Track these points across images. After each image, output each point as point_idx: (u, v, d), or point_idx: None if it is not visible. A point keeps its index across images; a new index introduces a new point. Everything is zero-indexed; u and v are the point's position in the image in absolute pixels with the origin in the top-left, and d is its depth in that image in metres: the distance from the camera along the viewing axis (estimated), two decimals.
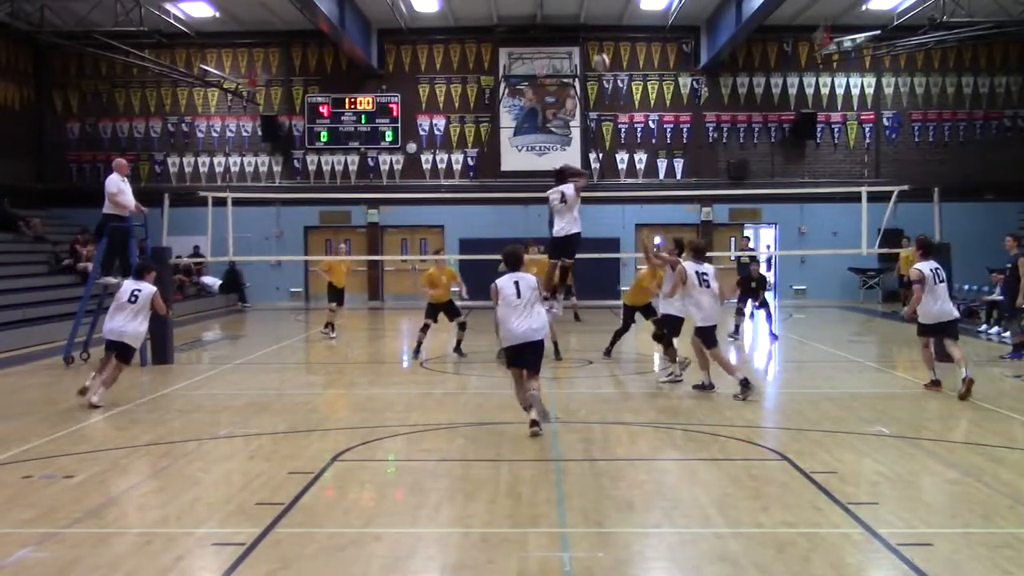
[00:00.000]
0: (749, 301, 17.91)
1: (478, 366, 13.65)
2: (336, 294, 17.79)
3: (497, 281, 8.69)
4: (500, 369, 13.19)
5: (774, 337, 17.09)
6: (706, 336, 10.80)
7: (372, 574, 5.09)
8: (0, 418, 9.66)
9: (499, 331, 8.75)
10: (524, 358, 8.53)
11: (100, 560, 5.26)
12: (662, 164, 27.08)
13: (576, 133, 26.92)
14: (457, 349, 14.35)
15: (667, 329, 11.76)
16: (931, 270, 11.11)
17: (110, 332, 10.62)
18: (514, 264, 8.86)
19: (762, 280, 17.42)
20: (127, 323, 10.60)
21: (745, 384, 10.50)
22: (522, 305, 8.49)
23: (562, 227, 10.98)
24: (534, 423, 8.38)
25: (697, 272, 10.79)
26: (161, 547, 5.49)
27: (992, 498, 6.41)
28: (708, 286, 10.78)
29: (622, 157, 27.11)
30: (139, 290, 10.70)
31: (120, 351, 10.55)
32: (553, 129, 26.98)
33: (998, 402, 10.29)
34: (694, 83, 27.11)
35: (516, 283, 8.60)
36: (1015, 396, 11.02)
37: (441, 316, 14.65)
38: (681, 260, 11.22)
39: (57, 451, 8.02)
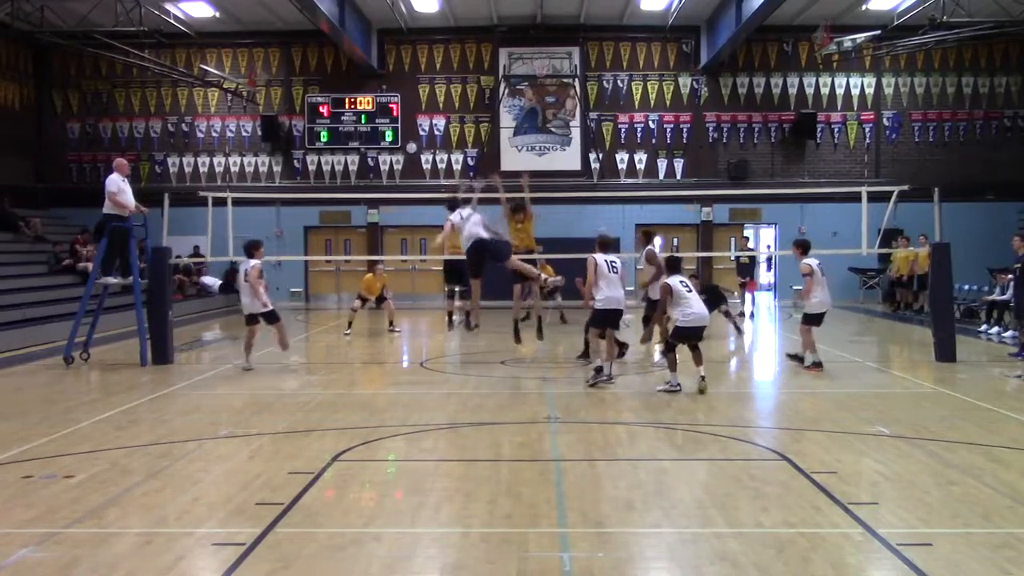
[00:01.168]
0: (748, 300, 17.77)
1: (479, 366, 13.65)
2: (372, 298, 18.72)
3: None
4: (500, 369, 13.22)
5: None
6: (596, 319, 11.49)
7: (372, 574, 5.09)
8: (0, 418, 9.66)
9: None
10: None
11: (100, 560, 5.26)
12: (662, 164, 27.09)
13: (576, 133, 26.93)
14: (466, 323, 14.19)
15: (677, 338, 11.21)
16: (818, 265, 12.64)
17: (244, 307, 13.07)
18: None
19: (712, 290, 16.80)
20: (248, 298, 12.89)
21: (599, 371, 11.37)
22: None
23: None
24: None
25: (607, 261, 11.45)
26: (161, 547, 5.49)
27: (992, 498, 6.41)
28: (616, 271, 11.46)
29: (622, 157, 27.12)
30: (248, 268, 12.85)
31: (266, 318, 13.04)
32: (553, 129, 26.99)
33: (998, 402, 10.29)
34: (694, 83, 27.12)
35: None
36: (1015, 396, 11.02)
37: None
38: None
39: (57, 451, 8.02)
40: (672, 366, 10.98)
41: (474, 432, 8.84)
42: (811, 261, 12.76)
